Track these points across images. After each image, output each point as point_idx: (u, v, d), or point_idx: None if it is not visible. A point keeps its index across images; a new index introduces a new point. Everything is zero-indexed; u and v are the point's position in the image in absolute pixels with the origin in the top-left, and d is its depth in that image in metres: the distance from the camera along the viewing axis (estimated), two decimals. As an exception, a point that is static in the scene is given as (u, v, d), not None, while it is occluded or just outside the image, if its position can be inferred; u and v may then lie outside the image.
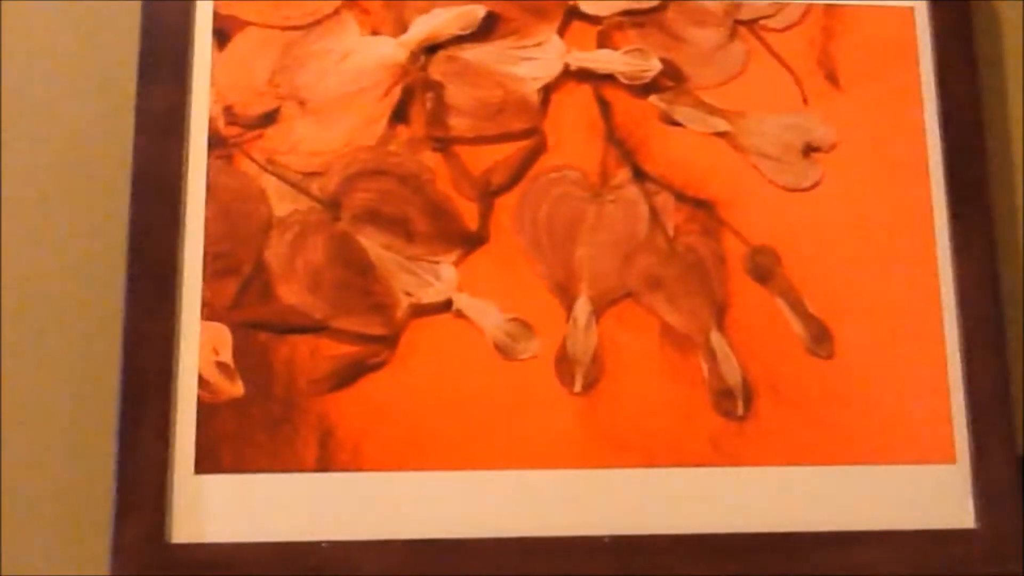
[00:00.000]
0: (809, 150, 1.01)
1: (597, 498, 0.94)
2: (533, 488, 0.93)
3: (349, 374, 0.93)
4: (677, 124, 1.00)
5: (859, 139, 1.02)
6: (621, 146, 0.99)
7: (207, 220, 0.95)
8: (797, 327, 0.98)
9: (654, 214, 0.99)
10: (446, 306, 0.95)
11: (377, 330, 0.94)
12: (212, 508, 0.91)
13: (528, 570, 0.92)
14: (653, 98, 1.01)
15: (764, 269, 0.99)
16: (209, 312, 0.93)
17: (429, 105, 0.98)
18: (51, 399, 0.94)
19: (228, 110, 0.97)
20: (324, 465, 0.92)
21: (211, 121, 0.97)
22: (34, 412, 0.93)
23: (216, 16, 0.99)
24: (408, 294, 0.95)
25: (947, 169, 1.01)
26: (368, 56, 0.99)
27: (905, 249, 1.00)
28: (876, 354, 0.98)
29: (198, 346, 0.93)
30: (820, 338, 0.98)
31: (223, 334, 0.93)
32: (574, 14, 1.02)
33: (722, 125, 1.00)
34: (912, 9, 1.05)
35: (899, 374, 0.98)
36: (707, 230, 0.99)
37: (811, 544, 0.94)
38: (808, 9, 1.04)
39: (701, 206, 0.99)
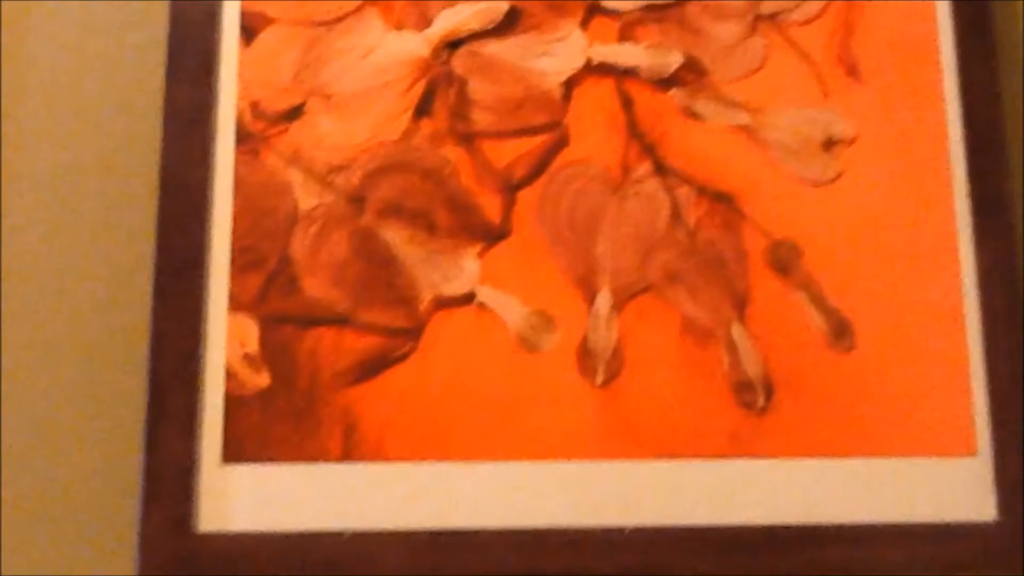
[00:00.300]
0: (830, 144, 1.02)
1: (618, 490, 0.94)
2: (554, 480, 0.94)
3: (373, 366, 0.94)
4: (698, 118, 1.01)
5: (880, 133, 1.02)
6: (642, 140, 1.00)
7: (234, 214, 0.96)
8: (818, 320, 0.98)
9: (675, 207, 0.99)
10: (469, 299, 0.96)
11: (400, 323, 0.95)
12: (238, 498, 0.92)
13: (549, 562, 0.92)
14: (674, 92, 1.01)
15: (785, 262, 0.99)
16: (236, 305, 0.95)
17: (452, 100, 0.99)
18: (79, 391, 0.95)
19: (254, 106, 0.99)
20: (348, 456, 0.93)
21: (237, 117, 0.98)
22: (62, 404, 0.95)
23: (243, 13, 1.00)
24: (431, 287, 0.96)
25: (968, 162, 1.02)
26: (391, 51, 1.00)
27: (926, 242, 1.00)
28: (897, 347, 0.98)
29: (225, 338, 0.94)
30: (841, 331, 0.98)
31: (250, 326, 0.94)
32: (596, 9, 1.02)
33: (743, 118, 1.01)
34: (933, 4, 1.05)
35: (920, 367, 0.98)
36: (728, 223, 0.99)
37: (832, 537, 0.94)
38: (829, 3, 1.04)
39: (722, 199, 1.00)
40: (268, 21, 1.00)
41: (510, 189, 0.98)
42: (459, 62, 1.00)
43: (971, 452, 0.97)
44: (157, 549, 0.90)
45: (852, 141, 1.02)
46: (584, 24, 1.02)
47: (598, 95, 1.01)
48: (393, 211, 0.97)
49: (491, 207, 0.98)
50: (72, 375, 0.95)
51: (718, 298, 0.98)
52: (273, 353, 0.94)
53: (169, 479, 0.91)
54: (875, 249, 1.00)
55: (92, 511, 0.93)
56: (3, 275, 0.97)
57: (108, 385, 0.95)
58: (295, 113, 0.99)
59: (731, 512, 0.95)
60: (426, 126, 0.99)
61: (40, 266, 0.97)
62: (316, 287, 0.96)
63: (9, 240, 0.97)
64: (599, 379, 0.96)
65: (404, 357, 0.95)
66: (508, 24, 1.02)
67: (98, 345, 0.96)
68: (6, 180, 0.98)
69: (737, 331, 0.98)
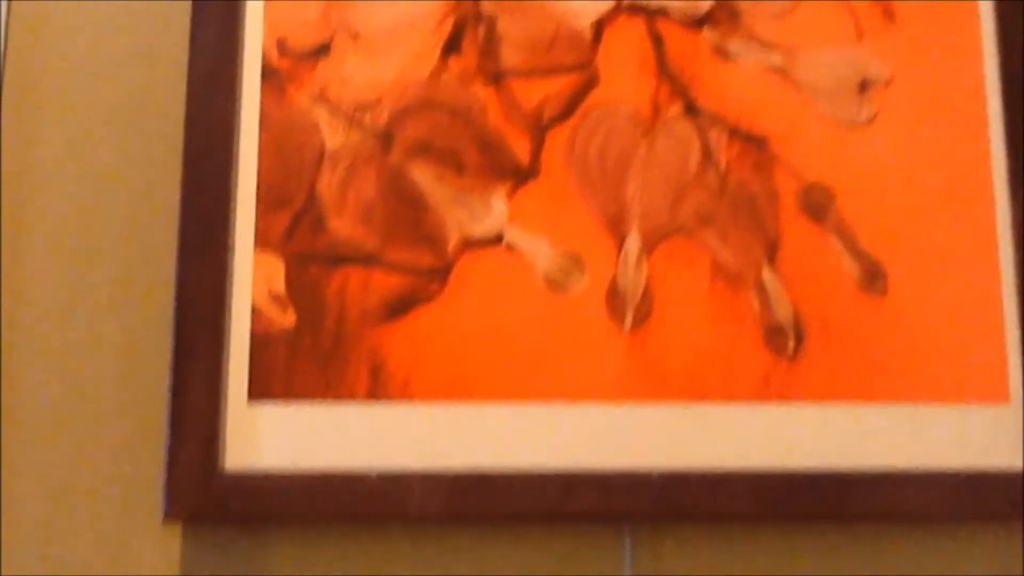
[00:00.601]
0: (864, 85, 1.00)
1: (645, 434, 0.94)
2: (581, 423, 0.93)
3: (400, 306, 0.94)
4: (730, 58, 0.99)
5: (915, 75, 1.00)
6: (673, 80, 0.99)
7: (260, 152, 0.95)
8: (850, 265, 0.97)
9: (706, 149, 0.98)
10: (497, 239, 0.95)
11: (428, 262, 0.95)
12: (264, 437, 0.92)
13: (575, 504, 0.92)
14: (706, 32, 1.00)
15: (817, 206, 0.98)
16: (262, 243, 0.94)
17: (481, 38, 0.98)
18: (106, 330, 0.95)
19: (280, 43, 0.97)
20: (375, 396, 0.92)
21: (264, 54, 0.97)
22: (89, 343, 0.95)
23: (269, -51, 0.99)
24: (459, 227, 0.95)
25: (1004, 105, 1.00)
26: (420, -11, 0.99)
27: (961, 186, 0.99)
28: (930, 292, 0.97)
29: (251, 277, 0.93)
30: (873, 276, 0.97)
31: (276, 265, 0.94)
32: (627, -53, 1.01)
33: (776, 59, 0.99)
34: (972, -58, 1.03)
35: (953, 313, 0.97)
36: (760, 166, 0.98)
37: (861, 483, 0.94)
38: (866, -59, 1.02)
39: (754, 141, 0.98)
40: (295, -42, 0.99)
41: (539, 129, 0.97)
42: (488, 0, 0.99)
43: (1003, 400, 0.96)
44: (184, 487, 0.90)
45: (887, 83, 1.00)
46: (615, -38, 1.00)
47: (629, 35, 0.99)
48: (421, 150, 0.96)
49: (520, 147, 0.97)
50: (98, 315, 0.95)
51: (749, 241, 0.97)
52: (299, 292, 0.93)
53: (195, 418, 0.91)
54: (909, 193, 0.99)
55: (119, 450, 0.93)
56: (28, 213, 0.96)
57: (134, 325, 0.95)
58: (322, 50, 0.97)
59: (759, 457, 0.94)
60: (455, 64, 0.98)
61: (66, 203, 0.96)
62: (343, 226, 0.95)
63: (35, 175, 0.97)
64: (627, 322, 0.95)
65: (431, 297, 0.94)
66: (538, -38, 1.00)
67: (124, 285, 0.95)
68: (30, 113, 0.98)
69: (768, 275, 0.96)
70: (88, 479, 0.93)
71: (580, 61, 0.98)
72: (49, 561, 0.91)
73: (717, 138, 0.98)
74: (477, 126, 0.97)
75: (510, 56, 0.98)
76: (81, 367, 0.94)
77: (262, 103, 0.96)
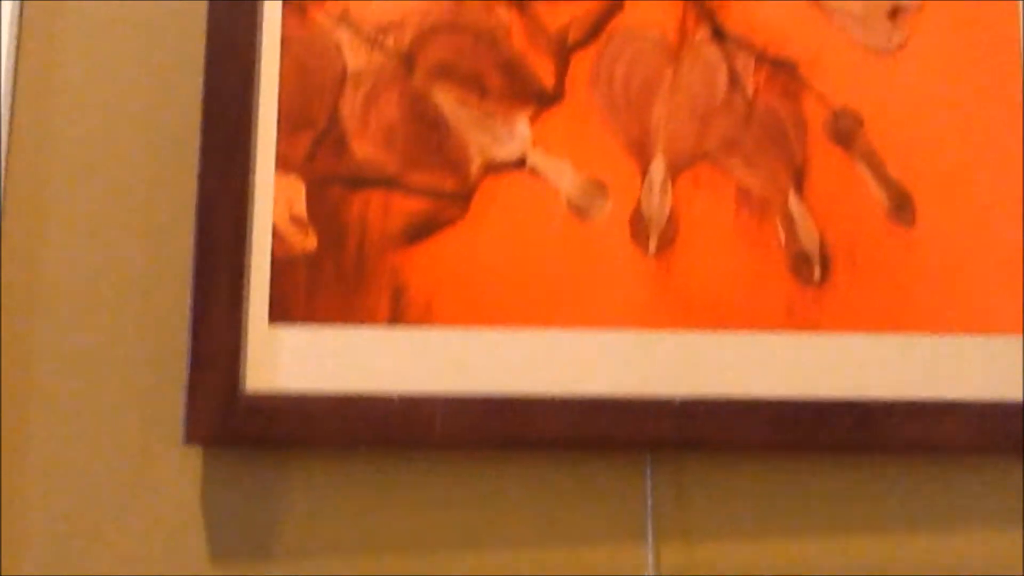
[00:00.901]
0: (895, 11, 0.98)
1: (668, 360, 0.93)
2: (604, 348, 0.93)
3: (422, 229, 0.93)
4: (759, -18, 0.98)
5: (947, 1, 0.98)
6: (700, 5, 0.97)
7: (281, 74, 0.94)
8: (877, 193, 0.96)
9: (733, 75, 0.97)
10: (520, 163, 0.94)
11: (450, 186, 0.94)
12: (285, 359, 0.91)
13: (596, 430, 0.91)
14: (735, -45, 0.98)
15: (846, 133, 0.96)
16: (283, 166, 0.93)
17: (505, -41, 0.97)
18: (127, 253, 0.94)
19: (302, -37, 0.96)
20: (396, 319, 0.92)
21: (285, -26, 0.96)
22: (110, 265, 0.94)
23: None
24: (482, 151, 0.94)
25: (1040, 31, 0.98)
26: (444, -92, 0.97)
27: (991, 115, 0.97)
28: (957, 223, 0.96)
29: (272, 199, 0.93)
30: (901, 205, 0.96)
31: (297, 187, 0.93)
32: None
33: (806, -17, 0.98)
34: None
35: (979, 244, 0.96)
36: (788, 92, 0.96)
37: (884, 413, 0.93)
38: None
39: (782, 67, 0.97)
40: None
41: (563, 52, 0.96)
42: (513, -79, 0.97)
43: (1029, 331, 0.95)
44: (205, 408, 0.90)
45: (919, 9, 0.98)
46: None
47: (655, -42, 0.97)
48: (444, 73, 0.95)
49: (544, 71, 0.95)
50: (119, 238, 0.95)
51: (775, 168, 0.96)
52: (321, 215, 0.93)
53: (216, 341, 0.90)
54: (939, 121, 0.97)
55: (139, 374, 0.93)
56: (49, 135, 0.96)
57: (155, 248, 0.94)
58: (344, -29, 0.96)
59: (782, 385, 0.93)
60: (478, -14, 0.96)
61: (87, 124, 0.96)
62: (365, 148, 0.94)
63: (54, 95, 0.96)
64: (652, 247, 0.94)
65: (453, 221, 0.93)
66: None
67: (145, 209, 0.95)
68: (50, 25, 0.97)
69: (794, 202, 0.95)
70: (109, 402, 0.93)
71: (606, -16, 0.97)
72: (70, 484, 0.91)
73: (744, 63, 0.97)
74: (500, 49, 0.95)
75: (535, -23, 0.97)
76: (102, 290, 0.94)
77: (284, 24, 0.95)
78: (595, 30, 0.96)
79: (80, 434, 0.92)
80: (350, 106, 0.94)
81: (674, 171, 0.95)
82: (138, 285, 0.94)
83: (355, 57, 0.95)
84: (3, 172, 0.94)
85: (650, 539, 0.93)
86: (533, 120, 0.95)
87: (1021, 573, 0.93)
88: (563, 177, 0.94)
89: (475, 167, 0.94)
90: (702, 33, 0.97)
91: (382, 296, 0.92)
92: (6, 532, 0.91)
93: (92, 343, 0.93)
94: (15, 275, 0.94)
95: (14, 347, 0.93)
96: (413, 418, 0.91)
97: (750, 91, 0.96)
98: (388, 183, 0.93)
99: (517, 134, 0.94)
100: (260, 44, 0.94)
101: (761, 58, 0.97)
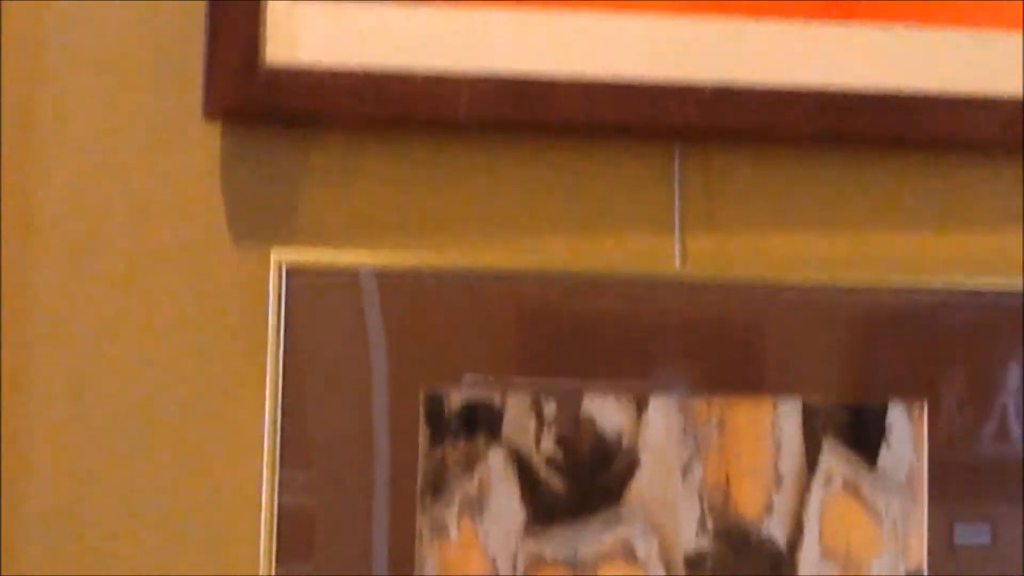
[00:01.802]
0: None
1: (700, 47, 0.90)
2: (635, 33, 0.89)
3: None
4: None
5: None
6: None
7: None
8: None
9: None
10: None
11: None
12: (308, 31, 0.88)
13: (622, 116, 0.89)
14: None
15: None
16: None
17: None
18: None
19: None
20: (421, -5, 0.89)
21: None
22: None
23: None
24: None
25: None
26: None
27: None
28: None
29: None
30: None
31: None
32: None
33: None
34: None
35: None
36: None
37: (917, 105, 0.90)
38: None
39: None
40: None
41: None
42: None
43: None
44: (224, 82, 0.87)
45: None
46: None
47: None
48: None
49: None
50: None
51: None
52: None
53: (235, 9, 0.87)
54: None
55: (159, 46, 0.90)
56: None
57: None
58: None
59: (818, 75, 0.90)
60: None
61: None
62: None
63: None
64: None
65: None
66: None
67: None
68: None
69: None
70: (127, 77, 0.89)
71: None
72: (88, 164, 0.89)
73: None
74: None
75: None
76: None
77: None
78: None
79: (101, 112, 0.89)
80: None
81: None
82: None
83: None
84: None
85: (677, 230, 0.91)
86: None
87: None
88: None
89: None
90: None
91: (409, -31, 0.89)
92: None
93: (111, 15, 0.90)
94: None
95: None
96: (438, 97, 0.88)
97: None
98: None
99: None
100: None
101: None
